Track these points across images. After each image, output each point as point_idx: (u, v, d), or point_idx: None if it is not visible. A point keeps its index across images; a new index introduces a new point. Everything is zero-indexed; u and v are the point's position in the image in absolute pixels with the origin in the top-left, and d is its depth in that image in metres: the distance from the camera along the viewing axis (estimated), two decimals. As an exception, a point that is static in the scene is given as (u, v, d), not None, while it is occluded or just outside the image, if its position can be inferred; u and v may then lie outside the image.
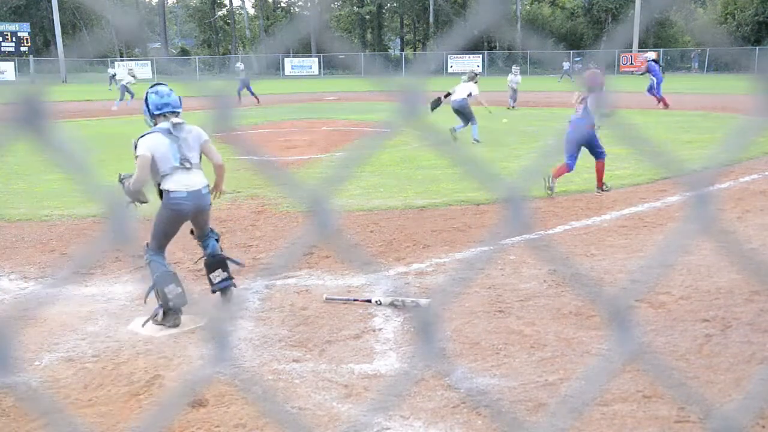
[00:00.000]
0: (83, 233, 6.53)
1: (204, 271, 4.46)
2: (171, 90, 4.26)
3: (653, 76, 18.65)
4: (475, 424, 3.03)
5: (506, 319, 4.23)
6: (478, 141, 12.62)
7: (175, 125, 4.15)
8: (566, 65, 40.22)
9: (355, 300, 4.56)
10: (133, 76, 22.80)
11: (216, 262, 4.40)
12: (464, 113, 12.74)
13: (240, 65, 26.99)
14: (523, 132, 14.46)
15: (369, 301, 4.52)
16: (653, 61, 19.10)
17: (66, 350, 3.87)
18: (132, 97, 21.45)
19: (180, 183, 4.13)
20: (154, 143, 4.12)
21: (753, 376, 3.44)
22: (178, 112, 4.21)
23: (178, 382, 3.47)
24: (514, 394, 3.29)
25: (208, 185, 4.33)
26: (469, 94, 12.83)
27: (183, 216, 4.23)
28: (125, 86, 22.03)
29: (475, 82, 13.14)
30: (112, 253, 5.41)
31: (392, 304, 4.45)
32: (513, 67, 21.38)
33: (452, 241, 6.01)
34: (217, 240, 4.54)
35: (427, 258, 5.56)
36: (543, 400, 3.22)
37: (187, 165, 4.16)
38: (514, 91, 20.61)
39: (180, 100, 4.26)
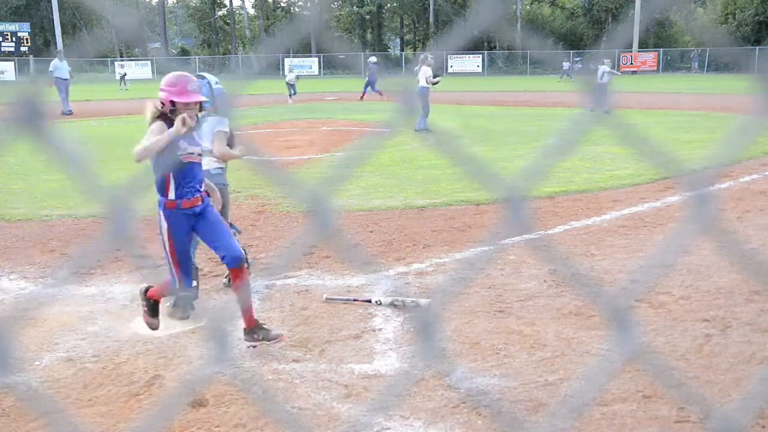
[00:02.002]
0: (83, 233, 6.53)
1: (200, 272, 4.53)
2: (200, 86, 4.52)
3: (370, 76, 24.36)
4: (475, 424, 3.03)
5: (506, 319, 4.23)
6: (421, 132, 12.89)
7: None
8: (566, 65, 40.22)
9: (355, 300, 4.56)
10: (297, 76, 26.34)
11: None
12: (424, 101, 13.10)
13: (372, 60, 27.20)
14: (523, 132, 14.46)
15: (369, 301, 4.52)
16: (374, 63, 24.84)
17: (66, 350, 3.87)
18: (294, 93, 24.78)
19: None
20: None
21: (753, 376, 3.44)
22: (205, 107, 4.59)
23: (178, 382, 3.47)
24: (514, 394, 3.29)
25: (221, 167, 4.69)
26: (427, 79, 13.24)
27: None
28: (290, 84, 25.11)
29: (429, 65, 13.62)
30: (112, 253, 5.41)
31: (392, 304, 4.45)
32: (599, 66, 17.15)
33: (452, 241, 6.01)
34: (238, 233, 4.93)
35: (427, 258, 5.56)
36: (543, 400, 3.22)
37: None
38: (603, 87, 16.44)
39: (208, 92, 4.51)
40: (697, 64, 46.92)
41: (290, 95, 24.84)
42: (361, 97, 24.66)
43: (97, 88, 33.00)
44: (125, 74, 37.37)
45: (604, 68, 16.55)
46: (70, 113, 19.48)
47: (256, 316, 4.33)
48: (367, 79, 24.81)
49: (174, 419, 3.02)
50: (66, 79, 19.52)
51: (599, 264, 5.33)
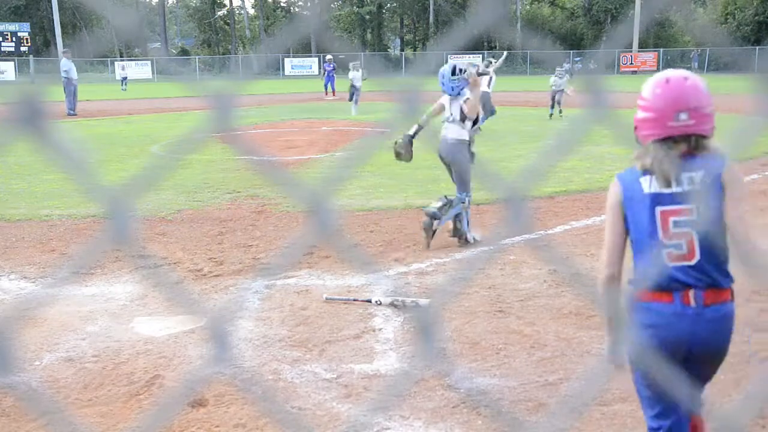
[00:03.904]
0: (83, 233, 6.53)
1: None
2: (443, 73, 5.76)
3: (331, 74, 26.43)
4: (475, 424, 3.03)
5: (506, 319, 4.23)
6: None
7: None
8: (567, 65, 40.16)
9: (355, 300, 4.56)
10: (365, 76, 20.34)
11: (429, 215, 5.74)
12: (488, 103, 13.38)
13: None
14: (523, 132, 14.45)
15: (369, 301, 4.52)
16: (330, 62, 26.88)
17: (66, 350, 3.87)
18: (358, 100, 19.96)
19: (442, 131, 5.80)
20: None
21: (753, 376, 3.44)
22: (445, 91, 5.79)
23: (178, 382, 3.47)
24: (514, 394, 3.29)
25: (460, 140, 5.67)
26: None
27: (440, 156, 5.83)
28: (354, 86, 20.19)
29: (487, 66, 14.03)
30: (112, 253, 5.41)
31: (392, 304, 4.45)
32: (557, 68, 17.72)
33: (452, 241, 6.01)
34: (462, 201, 5.78)
35: (427, 258, 5.56)
36: (543, 400, 3.22)
37: (450, 119, 5.76)
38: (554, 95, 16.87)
39: (451, 80, 5.72)
40: (696, 64, 46.86)
41: (354, 101, 19.52)
42: (333, 94, 26.13)
43: (96, 88, 32.98)
44: (126, 77, 37.03)
45: (556, 79, 16.58)
46: (74, 114, 19.48)
47: (255, 315, 4.34)
48: (330, 78, 26.37)
49: (174, 419, 3.02)
50: (76, 79, 19.53)
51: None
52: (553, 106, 17.03)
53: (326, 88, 26.54)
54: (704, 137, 2.10)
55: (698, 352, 2.09)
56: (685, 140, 2.09)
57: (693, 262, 2.06)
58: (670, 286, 2.07)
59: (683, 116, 2.07)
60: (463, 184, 5.77)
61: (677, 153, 2.08)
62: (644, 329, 2.12)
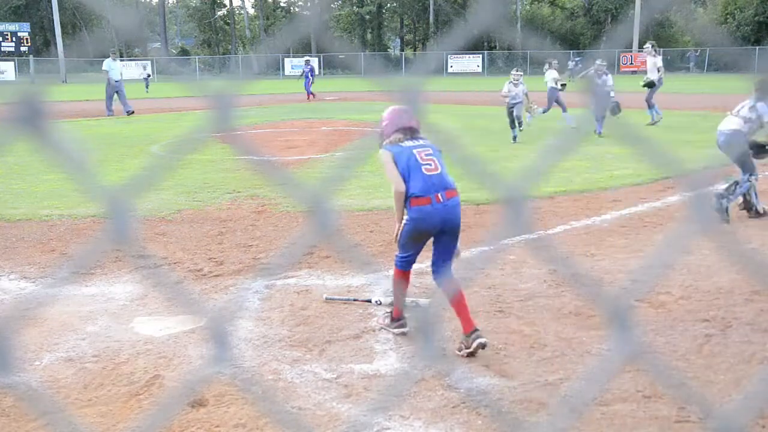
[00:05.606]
0: (83, 233, 6.53)
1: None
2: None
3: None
4: (475, 424, 3.03)
5: (506, 319, 4.23)
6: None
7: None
8: (571, 64, 40.07)
9: (355, 300, 4.56)
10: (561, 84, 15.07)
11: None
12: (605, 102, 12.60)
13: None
14: (523, 132, 14.44)
15: (369, 301, 4.52)
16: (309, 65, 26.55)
17: (66, 350, 3.87)
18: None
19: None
20: None
21: (753, 376, 3.44)
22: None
23: (178, 382, 3.47)
24: (514, 394, 3.29)
25: (734, 131, 6.49)
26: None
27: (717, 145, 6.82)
28: (556, 87, 15.04)
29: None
30: (112, 253, 5.41)
31: (392, 304, 4.44)
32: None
33: (452, 241, 6.01)
34: (748, 181, 6.47)
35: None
36: (543, 400, 3.22)
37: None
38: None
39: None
40: (694, 64, 46.88)
41: (563, 109, 14.22)
42: (309, 98, 25.54)
43: (96, 88, 32.94)
44: (149, 75, 35.85)
45: (511, 86, 12.79)
46: (131, 112, 19.35)
47: (255, 315, 4.33)
48: (307, 80, 25.75)
49: (174, 419, 3.02)
50: (118, 81, 19.18)
51: (599, 264, 5.33)
52: (513, 125, 12.55)
53: (308, 91, 25.69)
54: (414, 129, 3.85)
55: (447, 227, 3.71)
56: (405, 131, 3.83)
57: (437, 173, 3.68)
58: (427, 193, 3.64)
59: (405, 116, 3.85)
60: (745, 166, 6.46)
61: (406, 136, 3.82)
62: (416, 219, 3.70)
